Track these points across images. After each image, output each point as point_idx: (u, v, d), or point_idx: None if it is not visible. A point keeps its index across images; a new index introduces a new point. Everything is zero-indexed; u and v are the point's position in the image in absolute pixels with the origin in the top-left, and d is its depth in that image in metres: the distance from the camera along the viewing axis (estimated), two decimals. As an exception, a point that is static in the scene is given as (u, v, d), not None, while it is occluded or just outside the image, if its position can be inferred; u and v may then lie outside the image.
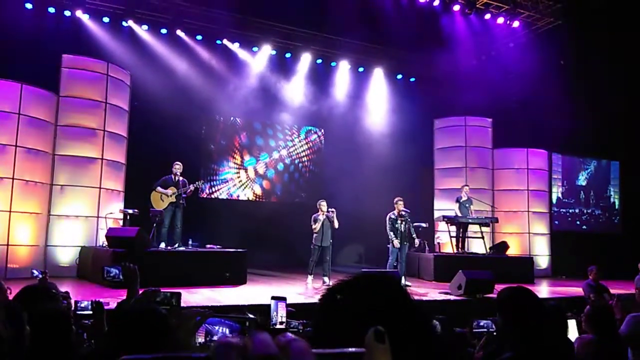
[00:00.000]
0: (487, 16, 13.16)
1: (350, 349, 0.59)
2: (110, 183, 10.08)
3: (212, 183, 13.84)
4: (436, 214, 12.49)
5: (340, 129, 14.49)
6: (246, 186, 14.38)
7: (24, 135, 9.03)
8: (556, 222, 14.23)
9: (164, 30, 12.47)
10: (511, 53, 13.50)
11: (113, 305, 4.59)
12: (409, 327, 0.80)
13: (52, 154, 9.61)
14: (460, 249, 11.01)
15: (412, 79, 15.45)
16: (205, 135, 13.88)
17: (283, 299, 3.66)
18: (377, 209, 10.38)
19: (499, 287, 6.74)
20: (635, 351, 3.04)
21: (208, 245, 9.40)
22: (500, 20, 13.12)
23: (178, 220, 9.02)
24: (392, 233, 9.11)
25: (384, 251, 9.45)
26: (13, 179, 8.88)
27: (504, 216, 12.70)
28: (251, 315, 3.06)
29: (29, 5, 11.02)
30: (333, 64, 14.60)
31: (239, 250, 8.99)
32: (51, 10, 11.28)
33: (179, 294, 3.29)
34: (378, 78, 15.09)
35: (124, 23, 12.10)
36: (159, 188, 9.02)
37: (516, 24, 13.15)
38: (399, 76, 15.33)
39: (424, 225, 11.05)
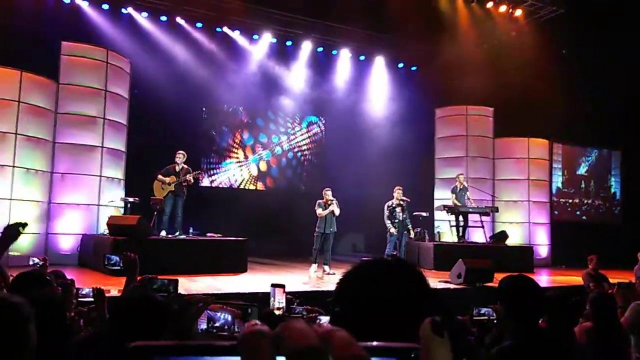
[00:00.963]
0: (490, 4, 13.06)
1: (403, 344, 0.50)
2: (110, 171, 10.08)
3: (213, 171, 13.84)
4: (436, 203, 12.50)
5: (342, 117, 14.46)
6: (248, 176, 14.38)
7: (24, 123, 9.01)
8: (556, 212, 14.23)
9: (164, 18, 12.39)
10: (513, 41, 13.41)
11: (114, 292, 4.61)
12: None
13: (52, 142, 9.60)
14: (460, 238, 11.04)
15: (413, 68, 15.38)
16: (207, 122, 13.86)
17: (282, 286, 3.70)
18: (377, 198, 10.39)
19: (498, 276, 6.76)
20: (637, 337, 3.05)
21: (209, 234, 9.42)
22: (503, 8, 13.03)
23: (179, 208, 9.04)
24: (389, 221, 9.21)
25: (385, 239, 9.48)
26: (14, 166, 8.87)
27: (504, 205, 12.70)
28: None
29: (27, -8, 10.93)
30: (334, 52, 14.53)
31: (239, 238, 9.01)
32: (50, -3, 11.21)
33: (176, 281, 3.31)
34: (379, 66, 15.02)
35: (123, 10, 12.03)
36: (160, 176, 9.04)
37: (518, 12, 13.06)
38: (400, 65, 15.25)
39: (424, 214, 11.06)
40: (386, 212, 9.30)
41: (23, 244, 8.95)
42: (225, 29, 13.19)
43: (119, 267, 4.25)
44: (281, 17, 12.99)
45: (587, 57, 12.83)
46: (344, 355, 0.45)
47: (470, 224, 11.28)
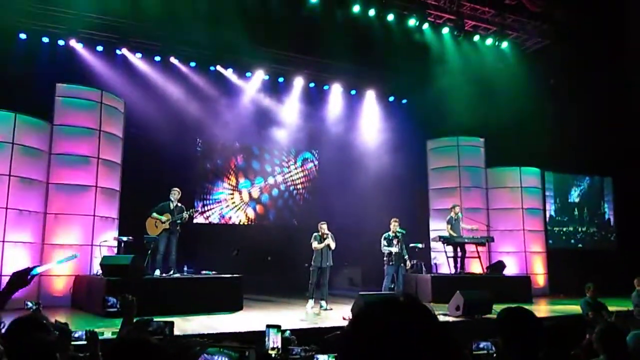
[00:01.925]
0: (476, 38, 13.37)
1: None
2: (104, 210, 10.03)
3: (205, 202, 13.81)
4: (432, 234, 12.48)
5: (335, 151, 14.57)
6: (239, 208, 14.35)
7: (18, 164, 9.01)
8: (550, 242, 14.22)
9: (157, 58, 12.58)
10: (501, 73, 13.68)
11: (108, 334, 4.52)
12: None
13: (46, 183, 9.58)
14: (458, 270, 10.98)
15: (404, 101, 15.60)
16: (201, 159, 13.92)
17: (277, 326, 3.65)
18: (373, 229, 10.38)
19: (497, 307, 6.72)
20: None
21: (203, 272, 9.33)
22: (489, 41, 13.33)
23: (173, 246, 8.94)
24: (387, 248, 9.22)
25: (381, 273, 9.43)
26: (7, 208, 8.82)
27: (499, 235, 12.70)
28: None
29: (22, 36, 11.10)
30: (326, 87, 14.75)
31: (234, 275, 8.93)
32: (45, 39, 11.37)
33: (172, 323, 3.27)
34: (370, 100, 15.23)
35: (117, 51, 12.20)
36: (154, 214, 8.99)
37: (505, 44, 13.36)
38: (391, 98, 15.47)
39: (420, 245, 11.04)
40: (384, 243, 9.33)
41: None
42: (219, 68, 13.40)
43: (116, 309, 4.20)
44: (273, 54, 13.20)
45: (575, 86, 13.09)
46: None
47: (467, 254, 11.25)
